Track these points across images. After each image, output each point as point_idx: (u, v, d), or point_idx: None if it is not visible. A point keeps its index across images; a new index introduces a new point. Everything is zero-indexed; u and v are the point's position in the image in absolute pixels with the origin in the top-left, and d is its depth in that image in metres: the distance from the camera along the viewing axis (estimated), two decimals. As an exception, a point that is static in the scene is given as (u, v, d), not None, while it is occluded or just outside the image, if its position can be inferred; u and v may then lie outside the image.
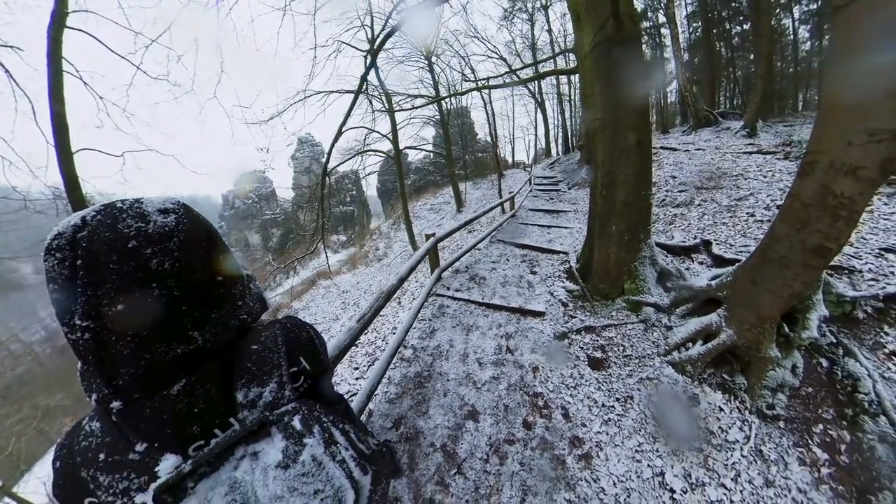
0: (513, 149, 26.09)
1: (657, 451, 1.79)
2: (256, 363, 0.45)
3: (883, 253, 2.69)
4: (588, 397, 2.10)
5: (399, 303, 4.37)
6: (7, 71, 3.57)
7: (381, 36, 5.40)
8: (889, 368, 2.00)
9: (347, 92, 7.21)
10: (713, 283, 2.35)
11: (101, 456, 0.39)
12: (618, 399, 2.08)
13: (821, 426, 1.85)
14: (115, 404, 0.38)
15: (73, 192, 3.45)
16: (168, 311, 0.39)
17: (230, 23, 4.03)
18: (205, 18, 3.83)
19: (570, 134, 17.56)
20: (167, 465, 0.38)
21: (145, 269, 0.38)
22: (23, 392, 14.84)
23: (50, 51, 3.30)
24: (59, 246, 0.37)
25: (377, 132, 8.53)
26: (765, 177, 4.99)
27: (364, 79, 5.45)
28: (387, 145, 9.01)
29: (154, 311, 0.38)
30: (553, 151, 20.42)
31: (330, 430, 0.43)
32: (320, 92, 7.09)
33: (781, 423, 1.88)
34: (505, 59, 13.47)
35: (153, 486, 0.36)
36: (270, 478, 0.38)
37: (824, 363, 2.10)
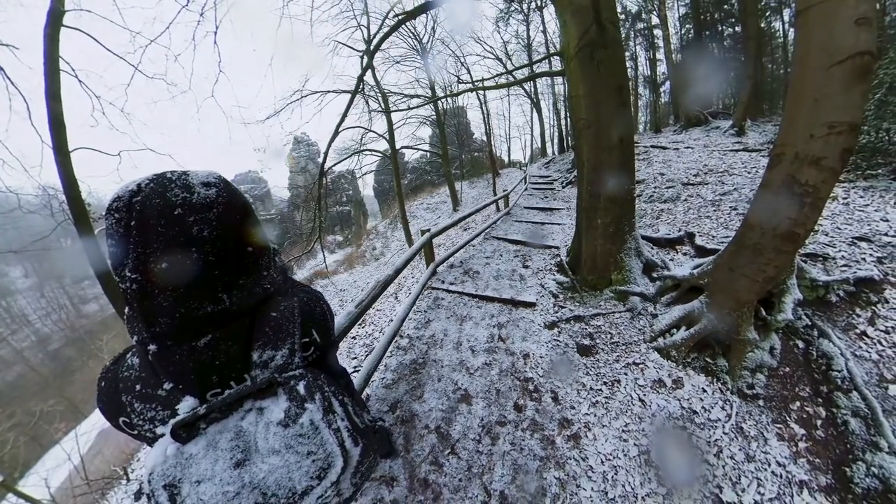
0: (509, 148, 26.28)
1: (643, 430, 1.87)
2: (273, 329, 0.49)
3: (856, 241, 2.82)
4: (577, 381, 2.19)
5: (396, 297, 4.43)
6: (1, 69, 3.58)
7: (378, 36, 5.47)
8: (860, 347, 2.10)
9: (344, 92, 7.28)
10: (695, 271, 2.45)
11: (138, 387, 0.46)
12: (605, 383, 2.17)
13: (798, 403, 1.94)
14: (152, 347, 0.44)
15: (70, 189, 3.46)
16: (203, 272, 0.44)
17: (228, 23, 4.08)
18: (203, 19, 3.86)
19: (565, 134, 17.73)
20: (186, 406, 0.44)
21: (187, 235, 0.43)
22: (14, 397, 14.61)
23: (46, 49, 3.32)
24: (117, 207, 0.42)
25: (374, 132, 8.60)
26: (749, 173, 5.15)
27: (360, 79, 5.51)
28: (383, 145, 9.08)
29: (191, 272, 0.43)
30: (549, 151, 20.58)
31: (330, 400, 0.48)
32: (317, 92, 7.15)
33: (761, 402, 1.96)
34: (500, 60, 13.62)
35: (172, 421, 0.42)
36: (271, 433, 0.43)
37: (800, 344, 2.21)
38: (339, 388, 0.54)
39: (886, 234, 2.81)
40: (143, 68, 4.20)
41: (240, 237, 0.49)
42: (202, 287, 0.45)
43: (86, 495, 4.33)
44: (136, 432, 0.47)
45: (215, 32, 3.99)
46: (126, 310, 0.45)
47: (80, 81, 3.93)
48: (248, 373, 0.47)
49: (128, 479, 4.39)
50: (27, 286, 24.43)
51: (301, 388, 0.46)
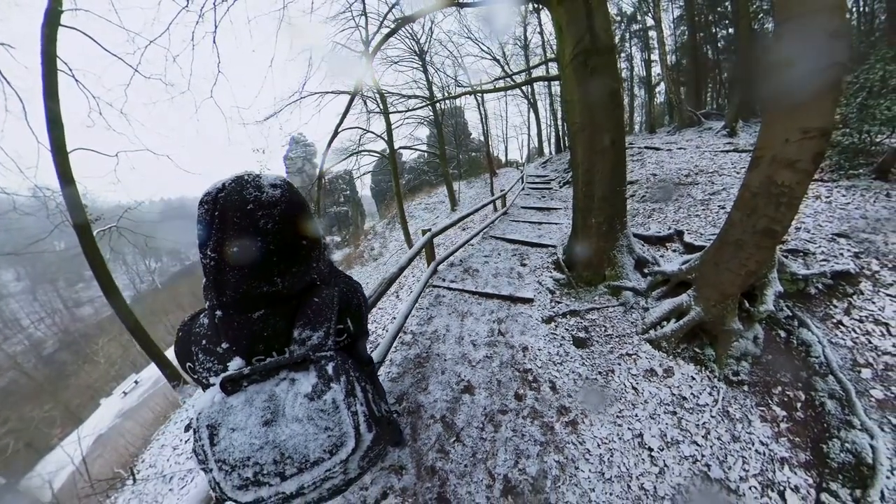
0: (506, 148, 26.38)
1: (636, 416, 1.98)
2: (314, 312, 0.57)
3: (835, 238, 2.96)
4: (573, 372, 2.30)
5: (398, 296, 4.52)
6: (-4, 68, 3.57)
7: (378, 38, 5.53)
8: (836, 335, 2.24)
9: (343, 93, 7.33)
10: (683, 267, 2.58)
11: (204, 342, 0.56)
12: (600, 373, 2.28)
13: (779, 388, 2.06)
14: (218, 313, 0.55)
15: (68, 190, 3.48)
16: (264, 258, 0.53)
17: (227, 23, 4.11)
18: (202, 20, 3.88)
19: (561, 134, 17.89)
20: (235, 365, 0.54)
21: (255, 226, 0.52)
22: (9, 403, 14.37)
23: (44, 49, 3.32)
24: (206, 200, 0.53)
25: (372, 132, 8.64)
26: (738, 173, 5.31)
27: (359, 80, 5.57)
28: (381, 145, 9.13)
29: (255, 257, 0.53)
30: (546, 151, 20.74)
31: (353, 384, 0.54)
32: (316, 93, 7.18)
33: (745, 387, 2.08)
34: (498, 61, 13.72)
35: (223, 374, 0.52)
36: (298, 402, 0.50)
37: (782, 333, 2.34)
38: (363, 375, 0.61)
39: (864, 231, 2.96)
40: (141, 69, 4.20)
41: (297, 232, 0.58)
42: (262, 270, 0.54)
43: (90, 496, 4.35)
44: (195, 377, 0.58)
45: (214, 33, 4.01)
46: (203, 280, 0.56)
47: (77, 81, 3.92)
48: (288, 347, 0.56)
49: (134, 481, 4.41)
50: (19, 289, 23.99)
51: (330, 368, 0.53)
